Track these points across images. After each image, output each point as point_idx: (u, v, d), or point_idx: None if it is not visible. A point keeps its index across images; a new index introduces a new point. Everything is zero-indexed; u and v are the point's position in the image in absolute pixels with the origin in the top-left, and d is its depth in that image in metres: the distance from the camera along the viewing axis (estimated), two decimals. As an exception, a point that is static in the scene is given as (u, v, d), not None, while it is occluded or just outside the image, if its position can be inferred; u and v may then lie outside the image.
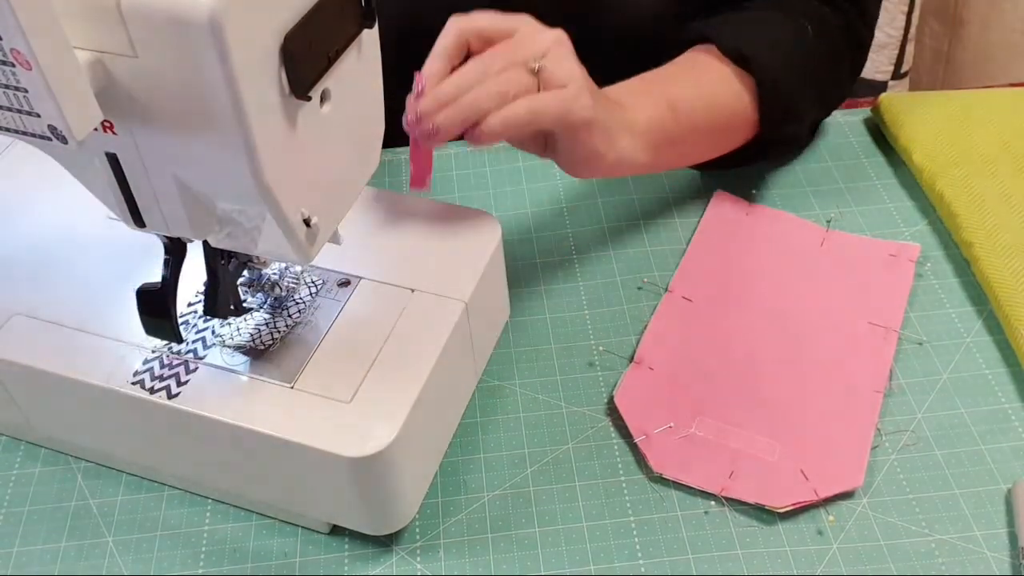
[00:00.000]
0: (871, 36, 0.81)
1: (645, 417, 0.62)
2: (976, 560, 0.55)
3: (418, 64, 0.59)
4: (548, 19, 0.81)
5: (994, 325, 0.68)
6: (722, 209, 0.77)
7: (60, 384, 0.55)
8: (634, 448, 0.61)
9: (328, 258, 0.59)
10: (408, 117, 0.56)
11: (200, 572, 0.57)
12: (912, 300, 0.69)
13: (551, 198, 0.79)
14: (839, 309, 0.68)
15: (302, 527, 0.58)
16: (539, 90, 0.57)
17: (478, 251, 0.60)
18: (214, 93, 0.39)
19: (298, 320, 0.57)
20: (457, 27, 0.59)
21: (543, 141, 0.63)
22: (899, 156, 0.81)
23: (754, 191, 0.77)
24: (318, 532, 0.58)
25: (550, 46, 0.58)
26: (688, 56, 0.73)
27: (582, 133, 0.60)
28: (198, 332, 0.57)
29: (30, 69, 0.36)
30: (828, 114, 0.82)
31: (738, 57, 0.71)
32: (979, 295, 0.70)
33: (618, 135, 0.63)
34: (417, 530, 0.58)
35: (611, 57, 0.82)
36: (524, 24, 0.59)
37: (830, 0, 0.77)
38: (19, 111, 0.38)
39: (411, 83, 0.57)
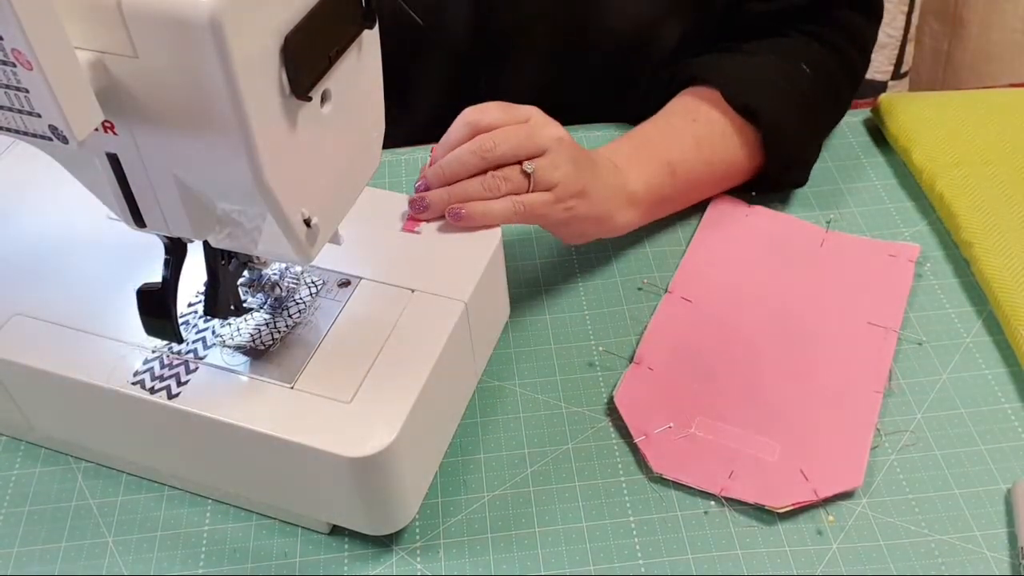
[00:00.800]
0: (867, 67, 0.81)
1: (645, 417, 0.62)
2: (976, 560, 0.55)
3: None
4: (544, 23, 0.81)
5: (994, 325, 0.68)
6: (722, 210, 0.77)
7: (60, 384, 0.55)
8: (634, 448, 0.61)
9: (328, 258, 0.59)
10: (418, 184, 0.63)
11: (200, 572, 0.57)
12: (912, 300, 0.69)
13: (551, 198, 0.79)
14: (839, 309, 0.68)
15: (302, 527, 0.58)
16: (530, 189, 0.63)
17: (478, 251, 0.60)
18: (214, 93, 0.39)
19: (298, 320, 0.57)
20: (468, 122, 0.63)
21: None
22: (899, 156, 0.81)
23: (754, 192, 0.77)
24: (318, 532, 0.58)
25: (551, 145, 0.63)
26: (688, 105, 0.74)
27: (561, 229, 0.67)
28: (198, 332, 0.57)
29: (31, 69, 0.36)
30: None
31: (743, 108, 0.72)
32: (979, 295, 0.70)
33: (613, 213, 0.68)
34: (417, 530, 0.58)
35: (607, 60, 0.82)
36: (532, 116, 0.64)
37: (827, 39, 0.77)
38: (20, 111, 0.38)
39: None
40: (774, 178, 0.76)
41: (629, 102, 0.83)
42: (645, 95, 0.80)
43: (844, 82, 0.78)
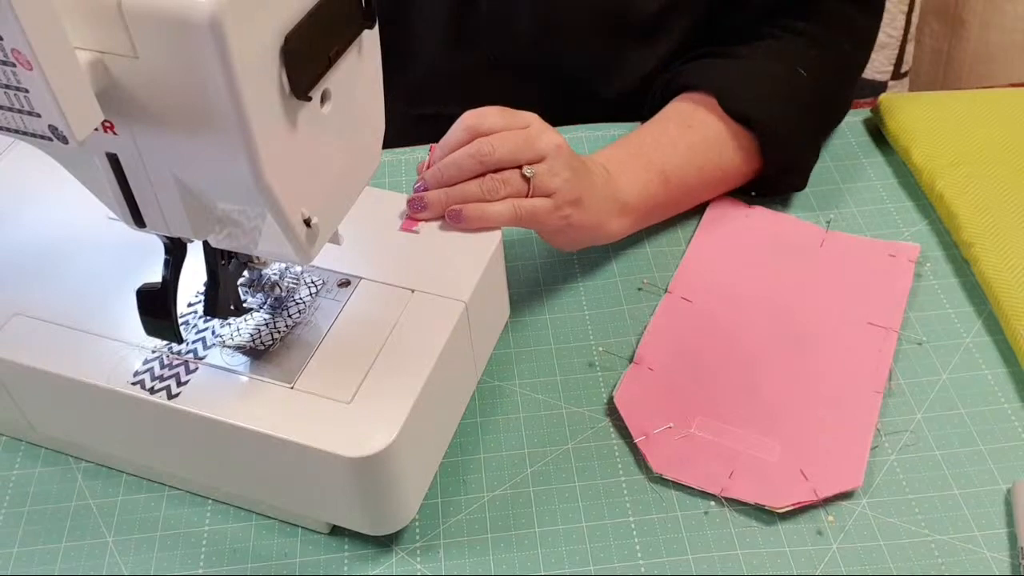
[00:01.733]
0: (867, 60, 0.81)
1: (645, 417, 0.62)
2: (976, 560, 0.55)
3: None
4: None
5: (994, 325, 0.68)
6: (722, 210, 0.77)
7: (60, 384, 0.55)
8: (634, 448, 0.61)
9: (328, 258, 0.59)
10: (416, 186, 0.63)
11: (200, 572, 0.57)
12: (912, 300, 0.69)
13: (551, 198, 0.79)
14: (839, 309, 0.68)
15: (302, 527, 0.58)
16: (529, 194, 0.63)
17: (478, 251, 0.60)
18: (214, 93, 0.39)
19: (298, 320, 0.57)
20: (467, 127, 0.63)
21: None
22: (899, 156, 0.81)
23: (753, 192, 0.77)
24: (318, 532, 0.58)
25: (549, 151, 0.63)
26: (683, 111, 0.74)
27: (557, 236, 0.67)
28: (198, 332, 0.57)
29: (31, 69, 0.36)
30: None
31: (738, 115, 0.72)
32: (979, 295, 0.70)
33: (606, 221, 0.68)
34: (417, 530, 0.58)
35: (595, 19, 0.82)
36: (532, 123, 0.64)
37: (821, 38, 0.76)
38: (20, 111, 0.38)
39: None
40: (772, 183, 0.76)
41: (618, 65, 0.82)
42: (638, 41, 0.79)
43: (841, 82, 0.78)
